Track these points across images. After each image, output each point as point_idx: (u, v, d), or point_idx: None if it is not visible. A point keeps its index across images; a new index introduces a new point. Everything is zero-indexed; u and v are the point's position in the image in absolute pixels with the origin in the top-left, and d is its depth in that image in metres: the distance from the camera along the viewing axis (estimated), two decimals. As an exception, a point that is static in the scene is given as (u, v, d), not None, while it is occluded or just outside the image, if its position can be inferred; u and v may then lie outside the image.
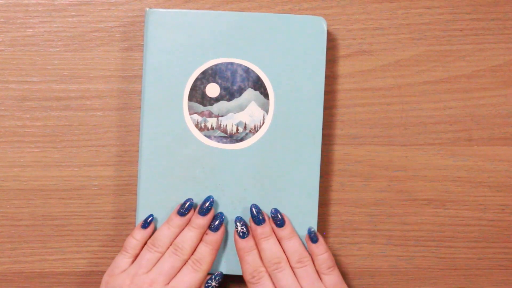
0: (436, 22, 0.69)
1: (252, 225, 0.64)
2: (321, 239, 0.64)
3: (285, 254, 0.64)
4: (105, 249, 0.69)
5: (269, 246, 0.63)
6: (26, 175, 0.68)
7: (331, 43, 0.69)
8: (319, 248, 0.64)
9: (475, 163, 0.70)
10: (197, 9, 0.68)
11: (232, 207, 0.65)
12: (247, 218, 0.65)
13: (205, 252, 0.63)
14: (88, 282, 0.69)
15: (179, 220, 0.64)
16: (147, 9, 0.65)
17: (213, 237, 0.64)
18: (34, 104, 0.68)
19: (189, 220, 0.64)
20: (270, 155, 0.65)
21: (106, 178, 0.69)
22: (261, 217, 0.64)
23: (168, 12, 0.65)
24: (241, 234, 0.64)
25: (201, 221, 0.64)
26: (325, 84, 0.69)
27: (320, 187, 0.69)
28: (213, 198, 0.64)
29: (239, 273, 0.66)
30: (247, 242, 0.64)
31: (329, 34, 0.68)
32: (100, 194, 0.69)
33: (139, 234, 0.64)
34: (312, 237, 0.64)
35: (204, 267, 0.63)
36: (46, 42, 0.68)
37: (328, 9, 0.68)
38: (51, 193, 0.68)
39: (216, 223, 0.64)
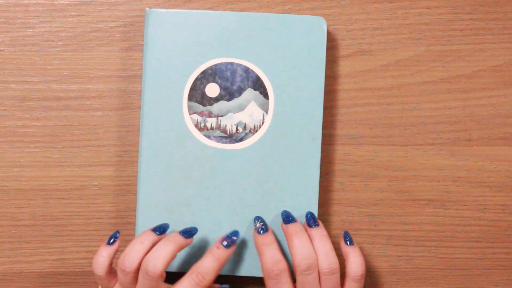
0: (436, 22, 0.69)
1: (283, 226, 0.63)
2: (356, 244, 0.64)
3: (315, 254, 0.62)
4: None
5: (302, 242, 0.62)
6: (26, 175, 0.68)
7: (331, 43, 0.69)
8: (355, 250, 0.63)
9: (475, 163, 0.70)
10: (197, 9, 0.68)
11: (232, 207, 0.65)
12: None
13: (211, 267, 0.61)
14: (88, 282, 0.69)
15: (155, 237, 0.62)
16: (147, 9, 0.65)
17: (224, 253, 0.61)
18: (34, 104, 0.68)
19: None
20: (270, 155, 0.65)
21: (106, 178, 0.69)
22: (292, 217, 0.63)
23: (168, 12, 0.65)
24: (260, 230, 0.63)
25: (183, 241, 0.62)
26: (325, 84, 0.69)
27: (320, 187, 0.69)
28: (196, 229, 0.63)
29: (238, 273, 0.66)
30: (266, 237, 0.63)
31: (329, 34, 0.68)
32: (100, 194, 0.69)
33: (105, 252, 0.62)
34: (350, 239, 0.64)
35: (206, 282, 0.61)
36: (46, 42, 0.68)
37: (328, 9, 0.69)
38: (51, 193, 0.68)
39: (230, 241, 0.62)
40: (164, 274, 0.61)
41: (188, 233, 0.62)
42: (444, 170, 0.70)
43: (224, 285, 0.64)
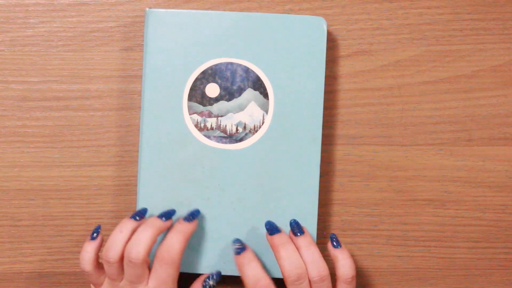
0: (436, 22, 0.69)
1: (268, 237, 0.63)
2: (343, 245, 0.64)
3: (304, 263, 0.62)
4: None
5: (289, 253, 0.61)
6: (26, 175, 0.68)
7: (331, 43, 0.69)
8: (344, 253, 0.63)
9: (475, 163, 0.70)
10: (197, 9, 0.68)
11: (232, 207, 0.65)
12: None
13: (174, 241, 0.61)
14: (88, 282, 0.69)
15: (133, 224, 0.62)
16: (147, 9, 0.65)
17: (186, 226, 0.62)
18: (34, 104, 0.68)
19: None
20: (270, 155, 0.65)
21: (106, 178, 0.69)
22: (276, 228, 0.63)
23: (168, 12, 0.65)
24: (238, 251, 0.63)
25: (160, 223, 0.62)
26: (325, 84, 0.69)
27: (320, 187, 0.69)
28: (174, 211, 0.64)
29: (237, 273, 0.66)
30: (244, 256, 0.62)
31: (329, 34, 0.68)
32: (100, 194, 0.69)
33: (90, 247, 0.63)
34: (337, 242, 0.64)
35: (172, 257, 0.61)
36: (46, 42, 0.68)
37: (328, 9, 0.69)
38: (51, 193, 0.68)
39: (190, 215, 0.63)
40: (149, 260, 0.61)
41: (166, 215, 0.63)
42: (444, 170, 0.70)
43: (214, 272, 0.64)
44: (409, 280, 0.71)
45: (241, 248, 0.63)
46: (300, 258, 0.62)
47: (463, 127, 0.69)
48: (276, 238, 0.63)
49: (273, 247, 0.63)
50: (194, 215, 0.63)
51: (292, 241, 0.63)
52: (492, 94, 0.69)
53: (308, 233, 0.64)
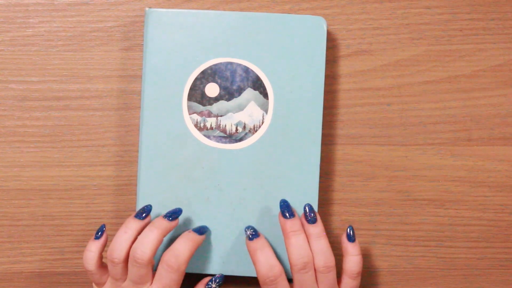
0: (436, 22, 0.69)
1: (280, 219, 0.63)
2: (357, 240, 0.64)
3: (311, 252, 0.62)
4: (105, 249, 0.69)
5: (299, 242, 0.62)
6: (26, 175, 0.68)
7: (331, 43, 0.69)
8: (355, 249, 0.63)
9: (475, 163, 0.70)
10: (197, 9, 0.68)
11: (231, 207, 0.65)
12: (249, 222, 0.65)
13: (181, 248, 0.61)
14: (88, 282, 0.69)
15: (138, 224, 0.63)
16: (147, 9, 0.65)
17: (195, 236, 0.63)
18: (34, 104, 0.68)
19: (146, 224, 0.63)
20: (270, 155, 0.65)
21: (106, 178, 0.69)
22: (290, 211, 0.63)
23: (168, 12, 0.65)
24: (250, 236, 0.63)
25: (166, 224, 0.62)
26: (325, 84, 0.69)
27: (320, 187, 0.69)
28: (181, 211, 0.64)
29: (237, 273, 0.66)
30: (257, 241, 0.63)
31: (329, 34, 0.68)
32: (100, 194, 0.69)
33: (94, 246, 0.63)
34: (351, 236, 0.64)
35: (179, 263, 0.61)
36: (46, 42, 0.68)
37: (328, 9, 0.69)
38: (51, 193, 0.69)
39: (201, 229, 0.64)
40: (153, 261, 0.61)
41: (173, 215, 0.62)
42: (444, 170, 0.70)
43: (217, 275, 0.64)
44: (409, 280, 0.71)
45: (254, 234, 0.63)
46: (309, 247, 0.62)
47: (463, 127, 0.69)
48: (289, 224, 0.63)
49: (284, 231, 0.63)
50: (203, 231, 0.64)
51: (303, 226, 0.63)
52: (492, 94, 0.69)
53: (321, 222, 0.63)
